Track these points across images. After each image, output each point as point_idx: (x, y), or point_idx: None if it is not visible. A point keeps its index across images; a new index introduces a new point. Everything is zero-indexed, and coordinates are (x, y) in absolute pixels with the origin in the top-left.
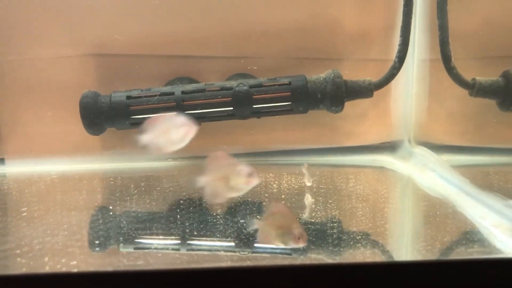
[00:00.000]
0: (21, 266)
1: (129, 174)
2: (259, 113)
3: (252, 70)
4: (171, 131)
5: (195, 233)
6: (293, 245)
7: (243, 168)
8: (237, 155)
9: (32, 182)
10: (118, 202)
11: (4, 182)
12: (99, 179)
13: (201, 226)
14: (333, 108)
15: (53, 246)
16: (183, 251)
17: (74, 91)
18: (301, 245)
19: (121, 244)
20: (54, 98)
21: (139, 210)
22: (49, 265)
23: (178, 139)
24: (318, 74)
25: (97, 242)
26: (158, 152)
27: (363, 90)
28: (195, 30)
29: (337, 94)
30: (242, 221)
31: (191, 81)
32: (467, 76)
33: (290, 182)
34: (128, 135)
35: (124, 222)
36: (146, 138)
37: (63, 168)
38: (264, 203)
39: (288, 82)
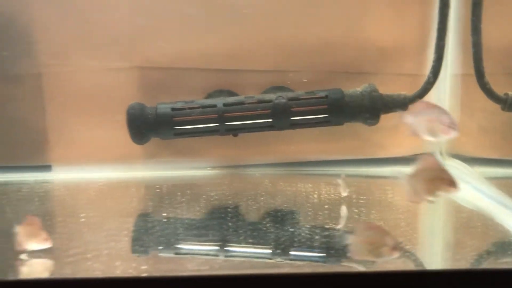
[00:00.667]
0: (94, 269)
1: (172, 182)
2: (297, 125)
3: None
4: (434, 124)
5: (250, 240)
6: (386, 256)
7: (447, 177)
8: (273, 165)
9: (81, 189)
10: (169, 209)
11: (54, 188)
12: (145, 187)
13: (254, 233)
14: (369, 121)
15: (120, 252)
16: (238, 258)
17: (120, 102)
18: (395, 255)
19: (182, 250)
20: (100, 107)
21: (191, 217)
22: (120, 269)
23: (436, 133)
24: (354, 88)
25: (160, 247)
26: (413, 135)
27: (398, 104)
28: (235, 45)
29: (373, 108)
30: (291, 229)
31: (230, 93)
32: (499, 91)
33: (329, 192)
34: (169, 145)
35: (181, 229)
36: (410, 118)
37: (107, 175)
38: (309, 212)
39: (325, 96)
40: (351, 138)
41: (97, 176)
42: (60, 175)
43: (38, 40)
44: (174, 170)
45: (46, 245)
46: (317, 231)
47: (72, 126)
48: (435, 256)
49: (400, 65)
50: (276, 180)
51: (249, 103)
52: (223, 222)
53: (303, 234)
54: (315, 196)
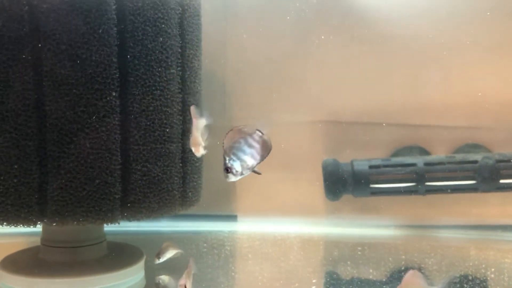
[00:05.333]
0: None
1: (356, 240)
2: (504, 189)
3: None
4: None
5: None
6: None
7: None
8: (463, 227)
9: (283, 242)
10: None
11: (252, 241)
12: (331, 243)
13: None
14: None
15: None
16: None
17: (304, 156)
18: None
19: None
20: (284, 161)
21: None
22: None
23: None
24: None
25: None
26: None
27: None
28: (424, 99)
29: None
30: None
31: (421, 150)
32: None
33: None
34: (351, 200)
35: None
36: None
37: (288, 228)
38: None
39: None
40: None
41: (279, 229)
42: (245, 226)
43: (231, 92)
44: (356, 227)
45: None
46: None
47: (257, 179)
48: None
49: None
50: (480, 246)
51: (451, 163)
52: None
53: None
54: None
